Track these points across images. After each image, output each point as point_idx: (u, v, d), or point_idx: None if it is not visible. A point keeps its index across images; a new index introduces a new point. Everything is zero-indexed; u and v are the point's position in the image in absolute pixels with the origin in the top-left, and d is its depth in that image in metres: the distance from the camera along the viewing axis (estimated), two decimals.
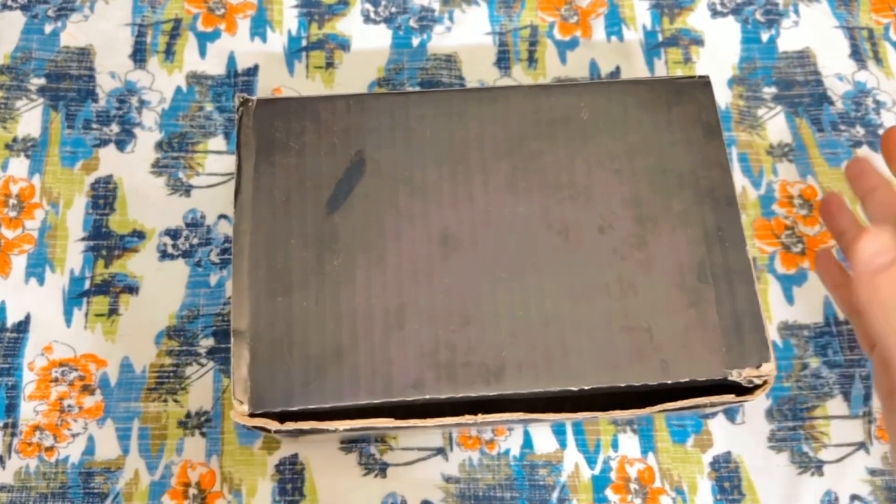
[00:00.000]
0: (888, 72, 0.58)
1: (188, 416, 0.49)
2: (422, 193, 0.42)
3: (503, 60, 0.58)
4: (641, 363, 0.39)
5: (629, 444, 0.49)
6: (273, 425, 0.38)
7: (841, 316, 0.52)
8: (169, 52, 0.58)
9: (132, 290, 0.51)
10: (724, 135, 0.44)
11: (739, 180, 0.55)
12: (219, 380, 0.50)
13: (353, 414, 0.39)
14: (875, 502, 0.48)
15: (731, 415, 0.50)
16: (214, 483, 0.48)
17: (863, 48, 0.59)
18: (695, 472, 0.49)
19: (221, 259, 0.52)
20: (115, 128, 0.55)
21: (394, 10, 0.60)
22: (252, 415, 0.38)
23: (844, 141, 0.56)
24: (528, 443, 0.49)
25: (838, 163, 0.56)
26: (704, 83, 0.45)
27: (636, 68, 0.58)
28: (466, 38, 0.59)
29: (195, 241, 0.53)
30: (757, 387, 0.39)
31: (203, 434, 0.49)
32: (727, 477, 0.49)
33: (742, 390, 0.40)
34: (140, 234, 0.53)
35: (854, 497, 0.48)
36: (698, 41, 0.59)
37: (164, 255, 0.52)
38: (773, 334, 0.51)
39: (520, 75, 0.58)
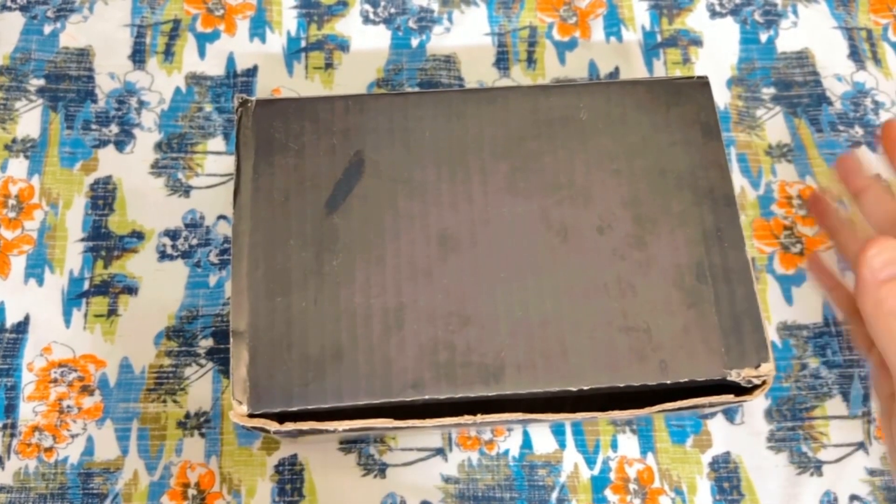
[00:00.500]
0: (887, 72, 0.58)
1: (187, 416, 0.49)
2: (421, 194, 0.42)
3: (502, 61, 0.58)
4: (640, 363, 0.39)
5: (628, 444, 0.49)
6: (272, 426, 0.38)
7: (839, 316, 0.52)
8: (168, 53, 0.58)
9: (131, 290, 0.51)
10: (722, 135, 0.44)
11: (738, 181, 0.55)
12: (218, 380, 0.50)
13: (352, 414, 0.39)
14: (874, 502, 0.48)
15: (730, 415, 0.50)
16: (214, 483, 0.48)
17: (861, 49, 0.59)
18: (694, 473, 0.49)
19: (220, 260, 0.52)
20: (114, 128, 0.55)
21: (393, 10, 0.60)
22: (251, 415, 0.38)
23: (843, 141, 0.56)
24: (527, 443, 0.49)
25: None
26: (703, 84, 0.45)
27: (635, 69, 0.58)
28: (465, 38, 0.59)
29: (194, 241, 0.53)
30: (756, 387, 0.39)
31: (202, 434, 0.49)
32: (726, 477, 0.49)
33: (741, 390, 0.40)
34: (139, 235, 0.53)
35: (853, 497, 0.48)
36: (697, 42, 0.59)
37: (164, 255, 0.52)
38: (772, 334, 0.51)
39: (519, 76, 0.58)
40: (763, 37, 0.59)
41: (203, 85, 0.57)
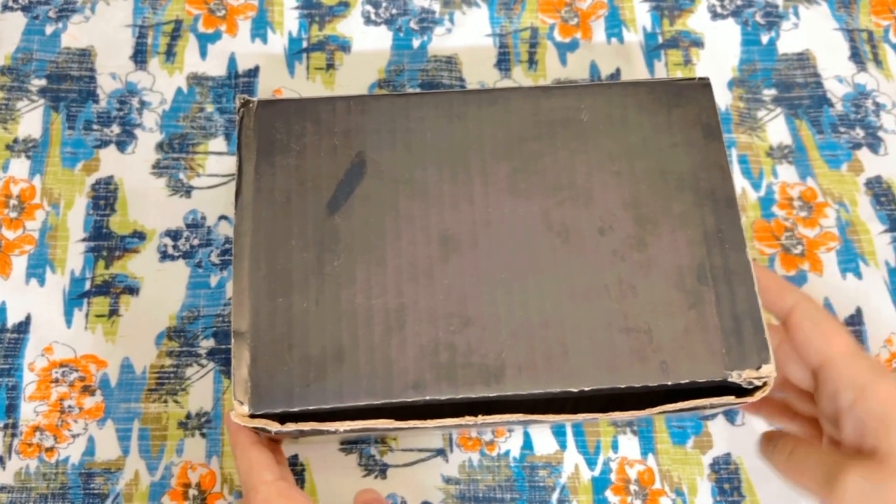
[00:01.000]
0: (888, 74, 0.58)
1: (188, 416, 0.49)
2: (422, 195, 0.42)
3: (503, 62, 0.58)
4: (641, 364, 0.39)
5: (629, 445, 0.49)
6: (273, 426, 0.38)
7: (840, 317, 0.52)
8: (170, 54, 0.58)
9: (133, 290, 0.51)
10: (723, 136, 0.44)
11: (739, 182, 0.55)
12: (219, 381, 0.50)
13: (353, 415, 0.39)
14: None
15: (730, 416, 0.50)
16: (215, 484, 0.48)
17: (862, 50, 0.59)
18: (695, 474, 0.49)
19: (222, 260, 0.52)
20: (115, 129, 0.55)
21: (394, 11, 0.60)
22: (252, 416, 0.38)
23: (844, 143, 0.56)
24: (528, 444, 0.49)
25: (838, 165, 0.56)
26: (704, 85, 0.45)
27: (636, 70, 0.58)
28: (467, 39, 0.59)
29: (196, 242, 0.53)
30: (757, 388, 0.39)
31: (203, 435, 0.49)
32: (727, 478, 0.49)
33: (742, 392, 0.40)
34: (140, 235, 0.53)
35: None
36: (698, 43, 0.59)
37: (165, 255, 0.52)
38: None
39: (520, 77, 0.58)
40: (764, 38, 0.59)
41: (204, 85, 0.57)
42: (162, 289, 0.52)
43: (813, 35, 0.59)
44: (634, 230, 0.42)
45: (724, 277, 0.41)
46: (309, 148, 0.43)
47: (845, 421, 0.40)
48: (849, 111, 0.57)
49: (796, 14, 0.60)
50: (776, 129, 0.57)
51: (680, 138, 0.44)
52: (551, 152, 0.43)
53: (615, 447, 0.49)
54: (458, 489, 0.48)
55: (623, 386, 0.39)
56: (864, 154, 0.56)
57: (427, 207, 0.42)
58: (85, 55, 0.57)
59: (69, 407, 0.49)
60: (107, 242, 0.52)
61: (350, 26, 0.59)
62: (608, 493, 0.48)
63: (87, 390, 0.49)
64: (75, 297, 0.51)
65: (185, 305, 0.51)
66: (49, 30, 0.58)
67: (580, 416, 0.40)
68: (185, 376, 0.50)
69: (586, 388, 0.39)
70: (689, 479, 0.49)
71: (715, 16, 0.60)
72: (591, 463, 0.49)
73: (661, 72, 0.58)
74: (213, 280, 0.52)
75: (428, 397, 0.38)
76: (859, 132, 0.57)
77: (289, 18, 0.59)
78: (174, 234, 0.53)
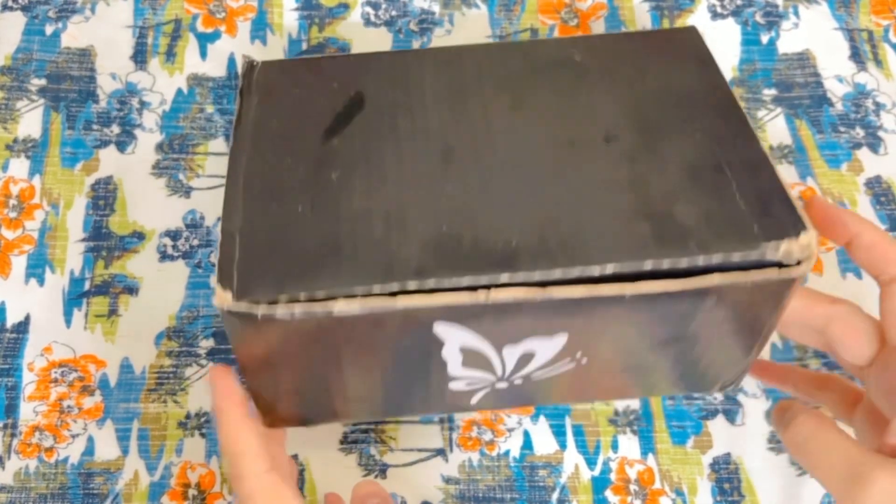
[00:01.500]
0: (888, 73, 0.58)
1: (188, 416, 0.49)
2: (422, 118, 0.41)
3: None
4: (666, 245, 0.35)
5: (629, 445, 0.49)
6: (260, 309, 0.34)
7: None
8: (170, 54, 0.58)
9: (132, 290, 0.51)
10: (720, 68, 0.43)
11: None
12: None
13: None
14: None
15: (730, 416, 0.50)
16: (214, 484, 0.48)
17: (863, 50, 0.59)
18: (694, 474, 0.49)
19: None
20: (115, 129, 0.55)
21: (394, 13, 0.60)
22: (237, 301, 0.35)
23: (844, 143, 0.56)
24: (527, 444, 0.49)
25: (838, 164, 0.56)
26: (692, 29, 0.45)
27: None
28: (467, 40, 0.59)
29: (195, 242, 0.53)
30: (800, 262, 0.35)
31: (203, 435, 0.49)
32: (727, 478, 0.49)
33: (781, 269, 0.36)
34: (140, 235, 0.53)
35: None
36: None
37: (164, 256, 0.52)
38: (772, 335, 0.51)
39: None
40: (764, 38, 0.60)
41: (205, 86, 0.57)
42: (161, 289, 0.52)
43: (813, 35, 0.59)
44: (642, 137, 0.40)
45: (743, 167, 0.38)
46: (310, 89, 0.43)
47: None
48: (849, 111, 0.57)
49: (796, 14, 0.60)
50: (776, 128, 0.57)
51: (676, 66, 0.42)
52: (550, 83, 0.43)
53: (615, 447, 0.49)
54: (457, 489, 0.48)
55: (649, 267, 0.35)
56: (864, 154, 0.56)
57: (427, 127, 0.40)
58: (85, 55, 0.57)
59: (68, 407, 0.49)
60: (106, 242, 0.52)
61: (350, 28, 0.59)
62: (608, 493, 0.48)
63: (87, 390, 0.49)
64: (75, 297, 0.51)
65: (184, 305, 0.51)
66: (49, 30, 0.58)
67: (604, 289, 0.36)
68: (185, 376, 0.50)
69: (608, 271, 0.35)
70: (689, 479, 0.49)
71: (715, 16, 0.60)
72: (590, 463, 0.49)
73: None
74: (213, 280, 0.52)
75: (432, 283, 0.35)
76: (859, 132, 0.57)
77: (288, 20, 0.59)
78: (174, 235, 0.53)
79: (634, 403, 0.50)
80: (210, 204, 0.54)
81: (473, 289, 0.35)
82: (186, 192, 0.54)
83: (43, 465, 0.48)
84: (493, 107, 0.41)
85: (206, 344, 0.50)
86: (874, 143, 0.56)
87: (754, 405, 0.50)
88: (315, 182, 0.38)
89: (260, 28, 0.59)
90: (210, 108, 0.56)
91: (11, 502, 0.47)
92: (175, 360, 0.50)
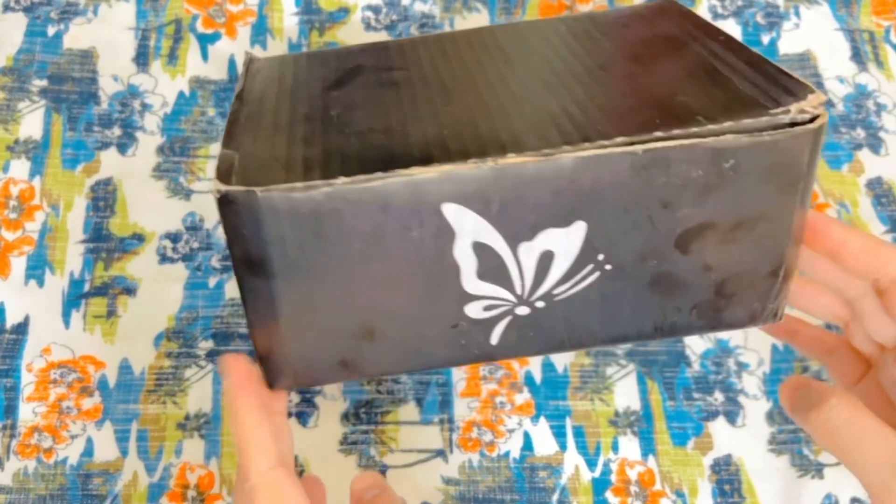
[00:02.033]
0: (889, 74, 0.58)
1: (187, 417, 0.49)
2: (419, 73, 0.42)
3: None
4: (675, 120, 0.34)
5: (629, 446, 0.49)
6: (259, 190, 0.32)
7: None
8: (172, 57, 0.58)
9: (131, 292, 0.51)
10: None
11: None
12: (218, 382, 0.50)
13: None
14: None
15: (731, 417, 0.50)
16: (213, 485, 0.48)
17: (863, 51, 0.59)
18: (695, 475, 0.49)
19: (222, 265, 0.52)
20: (116, 131, 0.56)
21: (395, 17, 0.60)
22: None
23: (845, 143, 0.56)
24: (528, 445, 0.49)
25: (838, 165, 0.56)
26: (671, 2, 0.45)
27: None
28: None
29: (195, 245, 0.53)
30: (813, 118, 0.34)
31: (202, 436, 0.49)
32: (727, 480, 0.48)
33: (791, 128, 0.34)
34: (140, 238, 0.53)
35: (854, 500, 0.48)
36: None
37: (164, 258, 0.52)
38: (772, 336, 0.51)
39: None
40: (765, 39, 0.59)
41: (206, 89, 0.57)
42: (161, 290, 0.52)
43: (814, 35, 0.59)
44: (638, 65, 0.40)
45: (742, 65, 0.37)
46: (309, 68, 0.44)
47: None
48: (850, 111, 0.57)
49: (797, 14, 0.60)
50: None
51: (659, 21, 0.44)
52: (544, 44, 0.44)
53: (615, 448, 0.49)
54: (457, 490, 0.48)
55: (655, 141, 0.33)
56: (864, 154, 0.56)
57: (425, 77, 0.42)
58: (87, 57, 0.58)
59: (67, 408, 0.49)
60: (106, 244, 0.53)
61: (350, 32, 0.59)
62: (608, 495, 0.48)
63: (86, 391, 0.49)
64: (74, 299, 0.51)
65: (183, 306, 0.51)
66: (51, 31, 0.58)
67: (615, 148, 0.34)
68: (184, 377, 0.50)
69: (606, 142, 0.34)
70: (690, 481, 0.48)
71: (716, 16, 0.60)
72: (591, 464, 0.49)
73: None
74: (212, 281, 0.52)
75: (437, 166, 0.34)
76: (860, 133, 0.56)
77: (289, 25, 0.59)
78: (174, 237, 0.53)
79: (635, 404, 0.50)
80: (210, 207, 0.54)
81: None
82: (187, 194, 0.54)
83: (42, 466, 0.48)
84: (489, 58, 0.43)
85: (206, 345, 0.50)
86: (875, 144, 0.56)
87: (755, 406, 0.50)
88: (316, 117, 0.38)
89: (260, 33, 0.59)
90: (211, 111, 0.56)
91: (11, 503, 0.47)
92: (174, 362, 0.50)
